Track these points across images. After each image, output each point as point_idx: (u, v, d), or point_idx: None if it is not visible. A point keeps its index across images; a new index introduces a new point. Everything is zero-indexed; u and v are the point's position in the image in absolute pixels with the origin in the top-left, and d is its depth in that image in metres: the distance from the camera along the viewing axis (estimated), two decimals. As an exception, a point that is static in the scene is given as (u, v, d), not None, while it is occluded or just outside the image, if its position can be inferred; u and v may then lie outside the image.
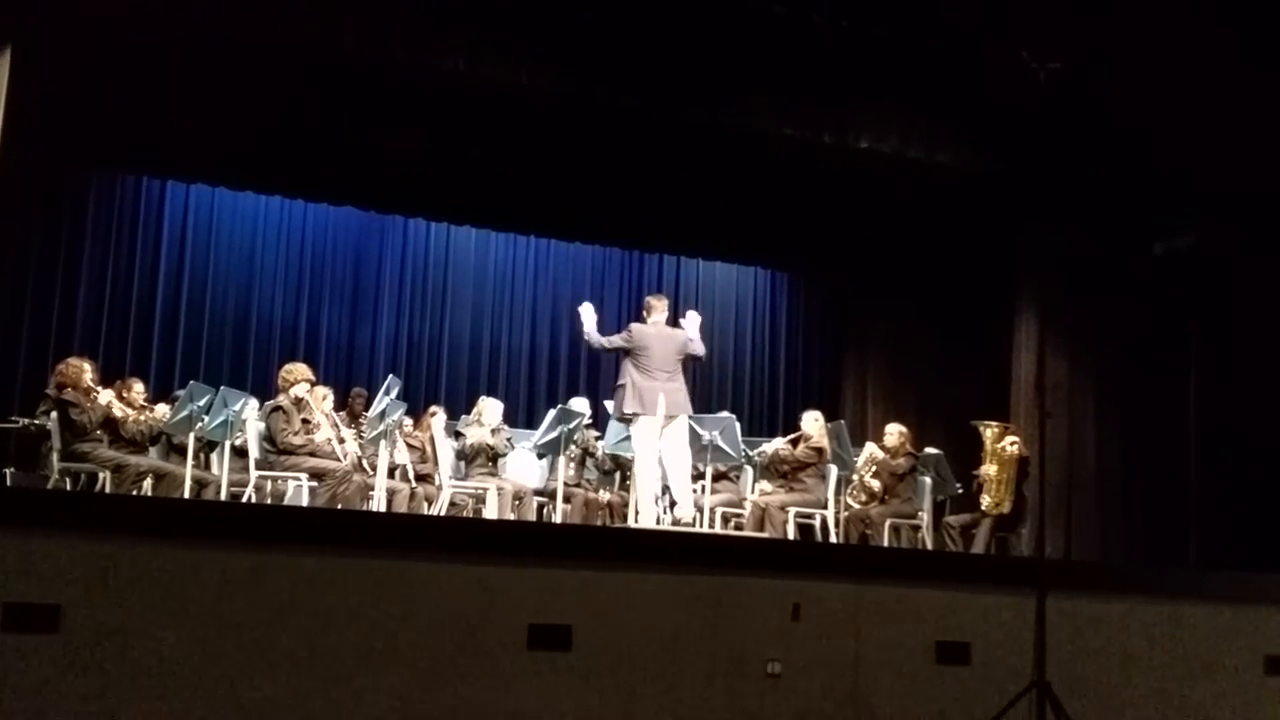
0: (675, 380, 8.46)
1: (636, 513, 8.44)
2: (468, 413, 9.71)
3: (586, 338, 8.82)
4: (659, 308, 8.68)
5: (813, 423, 9.31)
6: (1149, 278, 10.54)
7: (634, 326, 8.62)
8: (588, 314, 8.75)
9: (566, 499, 8.91)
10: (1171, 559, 10.03)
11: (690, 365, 8.81)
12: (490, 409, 9.36)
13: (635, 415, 8.34)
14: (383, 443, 8.47)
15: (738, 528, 9.18)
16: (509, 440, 9.31)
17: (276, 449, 8.19)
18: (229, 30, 8.65)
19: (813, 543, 8.83)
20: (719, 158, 10.90)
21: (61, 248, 10.45)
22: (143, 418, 8.39)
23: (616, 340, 8.61)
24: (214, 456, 8.68)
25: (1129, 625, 6.75)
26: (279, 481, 8.21)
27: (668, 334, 8.59)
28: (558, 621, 5.68)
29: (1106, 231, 10.52)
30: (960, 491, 9.66)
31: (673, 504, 8.58)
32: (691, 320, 8.79)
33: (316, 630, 5.29)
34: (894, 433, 9.57)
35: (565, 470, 9.08)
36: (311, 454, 8.19)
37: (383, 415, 8.42)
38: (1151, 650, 6.77)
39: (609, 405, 9.43)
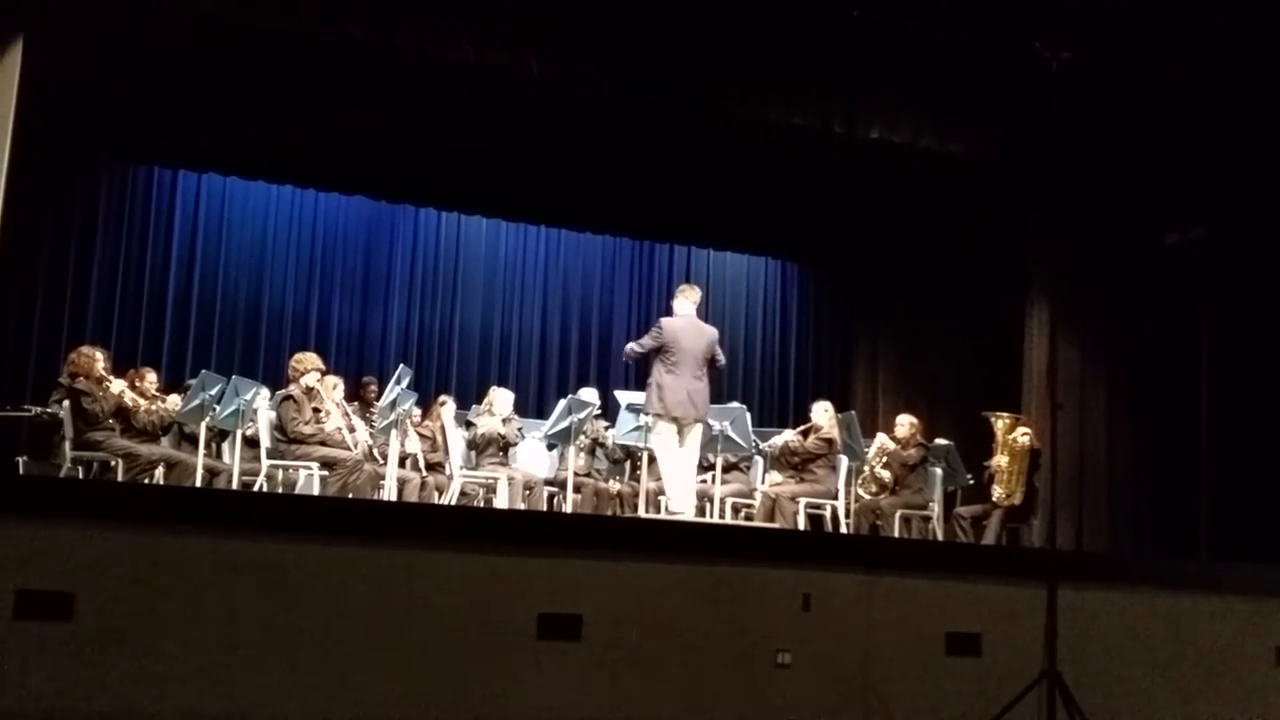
0: (701, 380, 8.25)
1: (665, 499, 8.48)
2: (478, 402, 9.73)
3: (626, 357, 8.83)
4: (691, 297, 8.44)
5: (823, 414, 9.29)
6: (1161, 268, 10.51)
7: (664, 322, 8.36)
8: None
9: (577, 489, 8.94)
10: (1182, 551, 10.01)
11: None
12: (501, 399, 9.37)
13: (656, 416, 8.20)
14: (393, 432, 8.49)
15: (748, 518, 9.20)
16: (519, 430, 9.32)
17: (287, 438, 8.21)
18: (239, 19, 8.65)
19: (823, 533, 8.84)
20: (729, 147, 10.87)
21: (74, 237, 10.48)
22: (155, 407, 8.43)
23: (648, 342, 8.33)
24: (225, 445, 8.71)
25: (1140, 617, 6.75)
26: (290, 471, 8.23)
27: (698, 328, 8.37)
28: (568, 611, 5.69)
29: (1118, 222, 10.50)
30: (971, 482, 9.64)
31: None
32: None
33: (327, 618, 5.31)
34: (905, 423, 9.56)
35: (575, 460, 9.11)
36: (322, 443, 8.20)
37: (393, 405, 8.44)
38: (1162, 642, 6.77)
39: (619, 395, 9.44)
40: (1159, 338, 10.43)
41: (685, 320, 8.38)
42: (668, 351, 8.20)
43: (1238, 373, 9.84)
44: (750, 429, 9.06)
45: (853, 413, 9.80)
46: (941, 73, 9.72)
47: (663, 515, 8.51)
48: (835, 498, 9.11)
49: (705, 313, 9.00)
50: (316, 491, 8.00)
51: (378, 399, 9.31)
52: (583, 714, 5.63)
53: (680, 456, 8.31)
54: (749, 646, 5.97)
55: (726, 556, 6.12)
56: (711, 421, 8.51)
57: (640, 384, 9.18)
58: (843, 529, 9.03)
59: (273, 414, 8.44)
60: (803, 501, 8.89)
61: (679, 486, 8.28)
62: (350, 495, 7.91)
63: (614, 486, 9.37)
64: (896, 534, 9.00)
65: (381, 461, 8.56)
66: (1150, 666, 6.72)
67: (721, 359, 8.56)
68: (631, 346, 8.58)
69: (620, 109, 10.17)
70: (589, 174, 11.30)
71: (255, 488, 8.15)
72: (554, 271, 12.51)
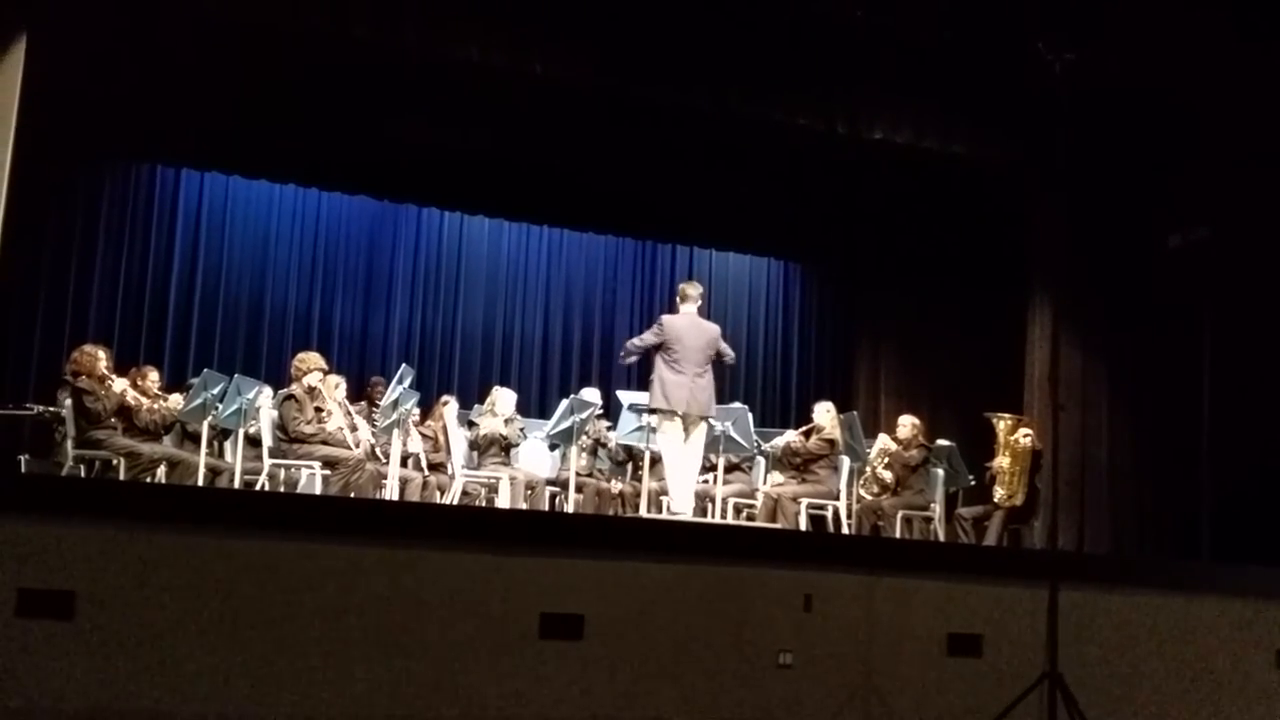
0: (704, 377, 8.25)
1: (667, 499, 8.48)
2: (480, 402, 9.74)
3: (625, 354, 8.77)
4: (692, 296, 8.45)
5: (825, 414, 9.30)
6: (1163, 269, 10.49)
7: (665, 319, 8.44)
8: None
9: (579, 489, 8.95)
10: (1183, 552, 10.00)
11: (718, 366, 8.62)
12: (503, 399, 9.38)
13: (658, 412, 8.22)
14: (395, 431, 8.49)
15: (750, 519, 9.20)
16: (521, 430, 9.32)
17: (289, 437, 8.22)
18: (242, 18, 8.66)
19: (825, 534, 8.84)
20: (732, 148, 10.86)
21: (76, 236, 10.49)
22: (157, 406, 8.43)
23: (649, 338, 8.39)
24: (227, 445, 8.72)
25: (1141, 618, 6.74)
26: (292, 470, 8.24)
27: (699, 326, 8.38)
28: (570, 611, 5.69)
29: (1121, 223, 10.48)
30: (973, 483, 9.65)
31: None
32: None
33: (328, 618, 5.31)
34: (906, 424, 9.57)
35: (577, 460, 9.11)
36: (324, 442, 8.21)
37: (395, 404, 8.44)
38: (1163, 643, 6.76)
39: (621, 395, 9.44)
40: (1161, 339, 10.41)
41: (687, 318, 8.41)
42: (669, 349, 8.23)
43: (1240, 374, 9.82)
44: (752, 429, 9.06)
45: (855, 413, 9.79)
46: (944, 74, 9.72)
47: (664, 515, 8.52)
48: (837, 498, 9.11)
49: (708, 313, 8.99)
50: (318, 491, 8.00)
51: (384, 399, 9.33)
52: (585, 714, 5.63)
53: (684, 456, 8.32)
54: (750, 647, 5.97)
55: (728, 557, 6.12)
56: (714, 422, 8.52)
57: (642, 384, 9.20)
58: (844, 529, 9.04)
59: (275, 413, 8.45)
60: (804, 502, 8.90)
61: (681, 487, 8.29)
62: (352, 495, 7.91)
63: (616, 487, 9.37)
64: (898, 535, 9.00)
65: (383, 461, 8.56)
66: (1152, 668, 6.71)
67: (729, 355, 8.59)
68: (632, 342, 8.63)
69: (623, 109, 10.17)
70: (592, 174, 11.28)
71: (257, 487, 8.16)
72: (556, 271, 12.51)
